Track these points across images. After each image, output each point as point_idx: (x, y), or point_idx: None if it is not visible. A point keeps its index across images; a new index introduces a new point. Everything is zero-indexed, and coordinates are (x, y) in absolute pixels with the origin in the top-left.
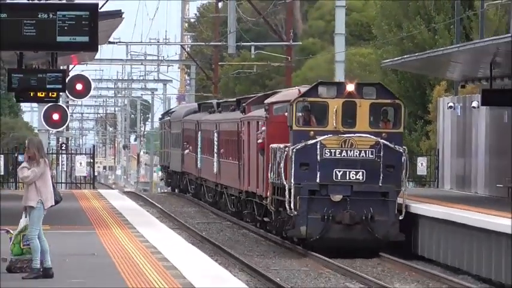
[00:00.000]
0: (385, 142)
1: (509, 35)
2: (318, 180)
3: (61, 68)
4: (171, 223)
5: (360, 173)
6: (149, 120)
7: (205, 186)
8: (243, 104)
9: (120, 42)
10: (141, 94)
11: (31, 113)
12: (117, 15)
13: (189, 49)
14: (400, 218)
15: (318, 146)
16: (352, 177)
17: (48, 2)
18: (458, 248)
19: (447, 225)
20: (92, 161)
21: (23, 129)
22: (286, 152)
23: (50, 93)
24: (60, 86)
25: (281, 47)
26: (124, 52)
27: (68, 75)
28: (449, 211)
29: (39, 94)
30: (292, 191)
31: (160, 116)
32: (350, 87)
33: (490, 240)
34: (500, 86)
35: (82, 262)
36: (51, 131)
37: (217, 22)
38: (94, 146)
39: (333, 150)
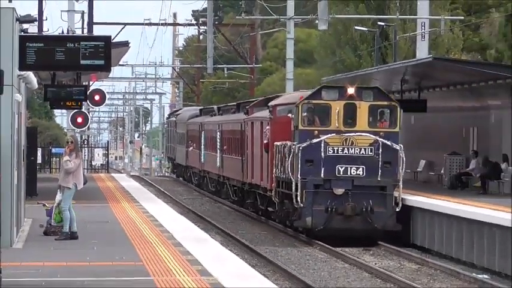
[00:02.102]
0: (383, 140)
1: (415, 59)
2: (322, 176)
3: (83, 83)
4: (165, 199)
5: (360, 169)
6: (149, 122)
7: (209, 178)
8: (246, 107)
9: (127, 64)
10: (143, 103)
11: (61, 117)
12: (125, 45)
13: (178, 70)
14: (397, 210)
15: (322, 144)
16: (353, 172)
17: (74, 35)
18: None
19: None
20: (106, 152)
21: (55, 129)
22: (293, 150)
23: (76, 103)
24: (83, 97)
25: (246, 68)
26: (130, 72)
27: (89, 89)
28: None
29: (67, 103)
30: (299, 185)
31: (167, 116)
32: (351, 90)
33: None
34: (408, 97)
35: (99, 227)
36: (76, 130)
37: (199, 50)
38: (108, 142)
39: (335, 148)
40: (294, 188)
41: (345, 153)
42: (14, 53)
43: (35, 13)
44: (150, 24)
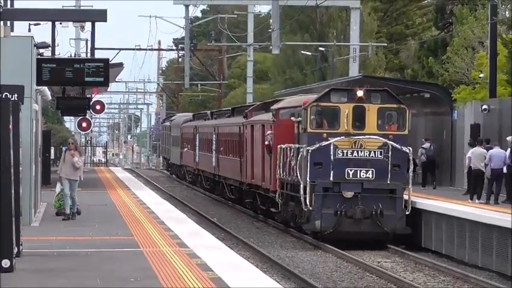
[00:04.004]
0: (393, 143)
1: (348, 77)
2: (331, 178)
3: (87, 96)
4: (151, 186)
5: (370, 172)
6: (139, 126)
7: (203, 176)
8: (245, 111)
9: (121, 81)
10: (134, 111)
11: (70, 122)
12: (120, 65)
13: (162, 85)
14: (407, 213)
15: (332, 147)
16: (363, 175)
17: (80, 58)
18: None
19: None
20: (105, 150)
21: (65, 132)
22: (301, 152)
23: (81, 111)
24: (87, 107)
25: (215, 84)
26: (124, 87)
27: (91, 100)
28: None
29: (74, 111)
30: (308, 188)
31: (162, 121)
32: (360, 93)
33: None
34: None
35: (99, 209)
36: (81, 133)
37: (178, 70)
38: (107, 142)
39: (345, 151)
40: (302, 191)
41: (354, 156)
42: (33, 72)
43: (48, 39)
44: (140, 49)
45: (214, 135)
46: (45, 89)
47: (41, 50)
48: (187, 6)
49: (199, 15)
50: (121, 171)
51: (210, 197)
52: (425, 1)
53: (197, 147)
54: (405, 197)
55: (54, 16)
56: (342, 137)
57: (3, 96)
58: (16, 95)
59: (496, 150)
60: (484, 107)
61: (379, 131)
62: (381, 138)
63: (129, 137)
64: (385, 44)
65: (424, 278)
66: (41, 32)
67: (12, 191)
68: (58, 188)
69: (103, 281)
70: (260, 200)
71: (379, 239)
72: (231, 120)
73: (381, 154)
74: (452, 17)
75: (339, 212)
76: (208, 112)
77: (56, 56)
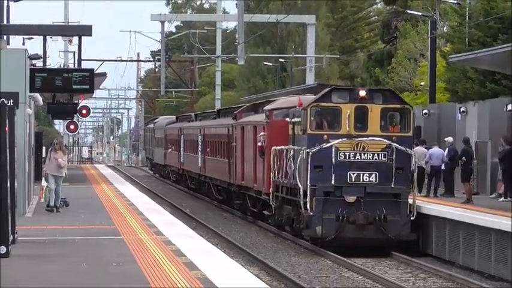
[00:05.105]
0: (397, 145)
1: (305, 85)
2: (333, 182)
3: (75, 101)
4: (131, 181)
5: (373, 175)
6: (120, 128)
7: (188, 176)
8: (235, 112)
9: (105, 88)
10: (116, 115)
11: (59, 125)
12: (103, 75)
13: (140, 92)
14: (412, 218)
15: (333, 149)
16: (366, 179)
17: (68, 68)
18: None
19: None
20: (91, 149)
21: (55, 133)
22: (300, 155)
23: (69, 115)
24: (74, 111)
25: (188, 91)
26: (107, 93)
27: (78, 105)
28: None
29: (63, 115)
30: (308, 192)
31: (145, 124)
32: (362, 92)
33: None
34: None
35: (86, 202)
36: (69, 134)
37: (155, 78)
38: (92, 142)
39: (347, 153)
40: (302, 195)
41: (357, 158)
42: (26, 80)
43: (40, 51)
44: (121, 60)
45: (200, 136)
46: (38, 95)
47: (34, 61)
48: (163, 23)
49: (174, 30)
50: (105, 168)
51: (183, 191)
52: (373, 18)
53: (182, 148)
54: (409, 201)
55: (46, 31)
56: (343, 139)
57: (0, 102)
58: (12, 101)
59: (435, 150)
60: (425, 111)
61: (382, 132)
62: (385, 140)
63: (111, 137)
64: (338, 56)
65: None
66: (34, 45)
67: (8, 186)
68: (44, 184)
69: (88, 265)
70: (250, 201)
71: (382, 246)
72: (218, 121)
73: (384, 157)
74: (396, 31)
75: (340, 218)
76: (193, 114)
77: (47, 66)
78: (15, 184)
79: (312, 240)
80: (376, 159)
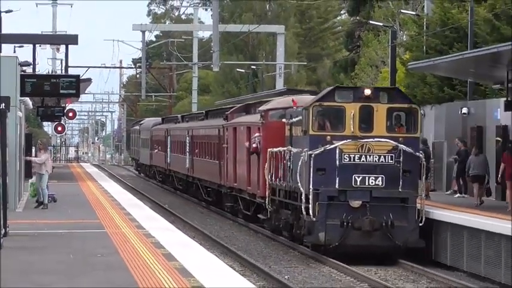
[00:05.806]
0: (404, 147)
1: (275, 90)
2: (337, 186)
3: (62, 105)
4: (115, 179)
5: (380, 179)
6: (104, 130)
7: (175, 177)
8: (226, 113)
9: (90, 92)
10: (100, 118)
11: (47, 127)
12: (88, 80)
13: (123, 96)
14: (420, 224)
15: (337, 151)
16: (372, 182)
17: (56, 74)
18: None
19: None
20: (77, 149)
21: (44, 134)
22: (302, 157)
23: (57, 117)
24: (61, 114)
25: (167, 95)
26: (92, 97)
27: (65, 108)
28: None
29: (51, 117)
30: (310, 196)
31: (131, 125)
32: (367, 91)
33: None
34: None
35: (72, 198)
36: (57, 135)
37: (136, 84)
38: (78, 143)
39: (351, 156)
40: (304, 199)
41: (362, 161)
42: (17, 85)
43: (30, 59)
44: (105, 67)
45: (187, 138)
46: (28, 99)
47: (24, 68)
48: (143, 32)
49: (154, 39)
50: (90, 167)
51: (162, 187)
52: (338, 28)
53: (169, 149)
54: (418, 206)
55: (35, 40)
56: (347, 140)
57: None
58: (3, 105)
59: None
60: None
61: (388, 133)
62: (391, 141)
63: (96, 138)
64: (305, 63)
65: None
66: (24, 52)
67: (0, 183)
68: (33, 180)
69: (75, 255)
70: (243, 204)
71: (389, 253)
72: (206, 122)
73: (391, 159)
74: (359, 40)
75: (345, 223)
76: (179, 116)
77: (36, 73)
78: (7, 181)
79: (313, 247)
80: (382, 161)
